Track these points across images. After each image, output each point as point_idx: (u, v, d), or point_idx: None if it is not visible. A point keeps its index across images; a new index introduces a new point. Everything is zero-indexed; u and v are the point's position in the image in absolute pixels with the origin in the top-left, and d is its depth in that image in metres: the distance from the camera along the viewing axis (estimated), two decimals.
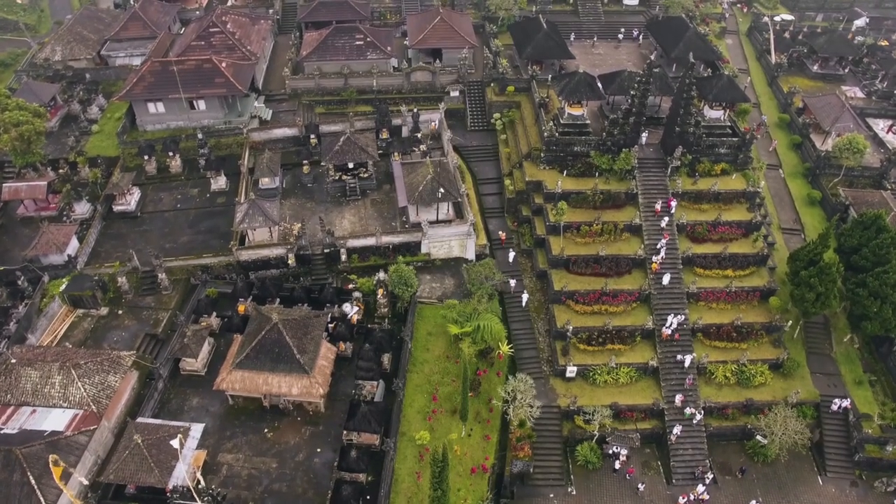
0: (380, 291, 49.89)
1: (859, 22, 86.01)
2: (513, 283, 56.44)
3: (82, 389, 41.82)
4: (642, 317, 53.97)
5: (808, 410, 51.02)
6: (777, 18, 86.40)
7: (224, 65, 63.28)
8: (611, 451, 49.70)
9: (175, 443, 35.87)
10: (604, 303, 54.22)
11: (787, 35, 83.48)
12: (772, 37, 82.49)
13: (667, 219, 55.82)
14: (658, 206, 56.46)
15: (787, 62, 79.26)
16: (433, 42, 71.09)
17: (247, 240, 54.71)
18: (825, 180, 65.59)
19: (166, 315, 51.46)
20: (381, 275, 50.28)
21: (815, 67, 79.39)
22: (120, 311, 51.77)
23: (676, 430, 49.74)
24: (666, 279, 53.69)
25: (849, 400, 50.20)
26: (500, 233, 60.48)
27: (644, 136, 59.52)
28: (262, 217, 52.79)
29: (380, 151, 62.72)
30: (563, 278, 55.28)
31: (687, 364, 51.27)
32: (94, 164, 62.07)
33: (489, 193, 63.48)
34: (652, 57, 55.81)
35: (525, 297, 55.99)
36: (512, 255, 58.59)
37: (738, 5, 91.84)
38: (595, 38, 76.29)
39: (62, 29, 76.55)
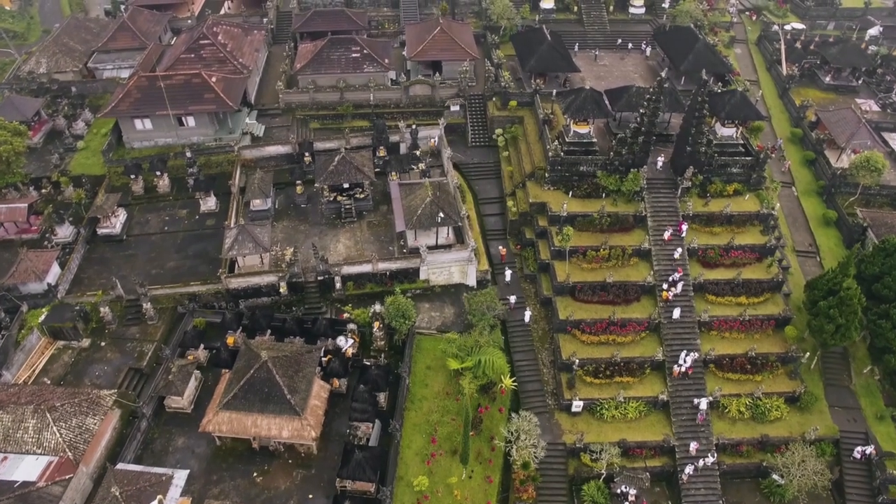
0: (376, 324, 47.29)
1: (873, 31, 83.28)
2: (512, 299, 53.90)
3: (58, 434, 39.23)
4: (652, 347, 51.41)
5: (828, 447, 48.47)
6: (787, 27, 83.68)
7: (214, 79, 60.64)
8: (619, 491, 47.07)
9: None
10: (611, 332, 51.61)
11: (798, 45, 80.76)
12: (782, 47, 79.85)
13: (679, 250, 53.09)
14: (668, 234, 53.74)
15: (798, 73, 76.60)
16: (433, 54, 68.44)
17: (236, 266, 52.13)
18: (841, 199, 62.94)
19: (151, 347, 48.80)
20: (378, 307, 47.67)
21: (828, 79, 76.75)
22: (103, 343, 49.17)
23: (688, 469, 47.17)
24: (676, 313, 51.08)
25: (872, 446, 47.46)
26: (501, 248, 57.93)
27: (660, 159, 56.82)
28: (251, 243, 50.19)
29: (377, 170, 60.14)
30: (569, 306, 52.69)
31: (703, 407, 48.59)
32: (79, 183, 59.39)
33: (491, 214, 60.80)
34: (663, 74, 53.08)
35: (528, 314, 53.44)
36: (509, 273, 55.83)
37: (747, 13, 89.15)
38: (597, 50, 73.35)
39: (48, 40, 73.87)
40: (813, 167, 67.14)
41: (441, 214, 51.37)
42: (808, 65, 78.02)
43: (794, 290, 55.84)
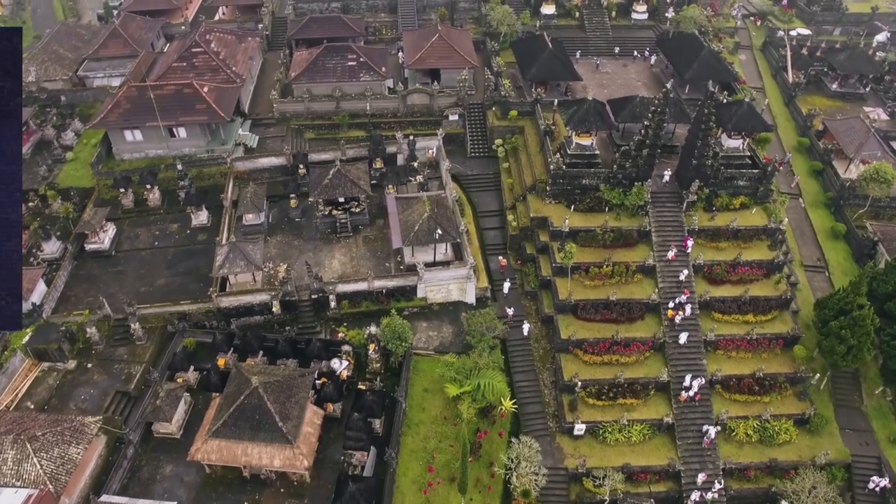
0: (371, 347, 45.68)
1: (880, 37, 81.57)
2: (510, 311, 52.64)
3: (38, 466, 37.60)
4: (656, 368, 49.83)
5: (839, 472, 46.85)
6: (793, 33, 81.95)
7: (206, 89, 58.99)
8: None
9: None
10: (614, 353, 50.05)
11: (804, 51, 79.09)
12: (788, 53, 78.16)
13: (685, 272, 51.36)
14: (672, 254, 52.02)
15: (805, 81, 74.91)
16: (431, 62, 66.80)
17: (228, 284, 50.53)
18: (849, 211, 61.30)
19: (140, 369, 47.21)
20: (373, 328, 46.05)
21: (835, 86, 75.10)
22: (89, 365, 47.56)
23: (694, 495, 45.55)
24: (683, 338, 49.43)
25: (887, 478, 45.80)
26: (501, 258, 56.63)
27: (667, 173, 55.13)
28: (243, 261, 48.60)
29: (373, 182, 58.65)
30: (571, 325, 51.12)
31: (711, 435, 46.94)
32: (67, 196, 57.80)
33: (491, 228, 59.18)
34: (668, 85, 51.52)
35: (526, 326, 52.09)
36: (507, 285, 54.54)
37: (752, 18, 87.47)
38: (598, 59, 71.24)
39: (37, 47, 72.09)
40: (820, 178, 65.50)
41: (439, 231, 49.77)
42: (814, 72, 76.34)
43: (803, 306, 54.25)
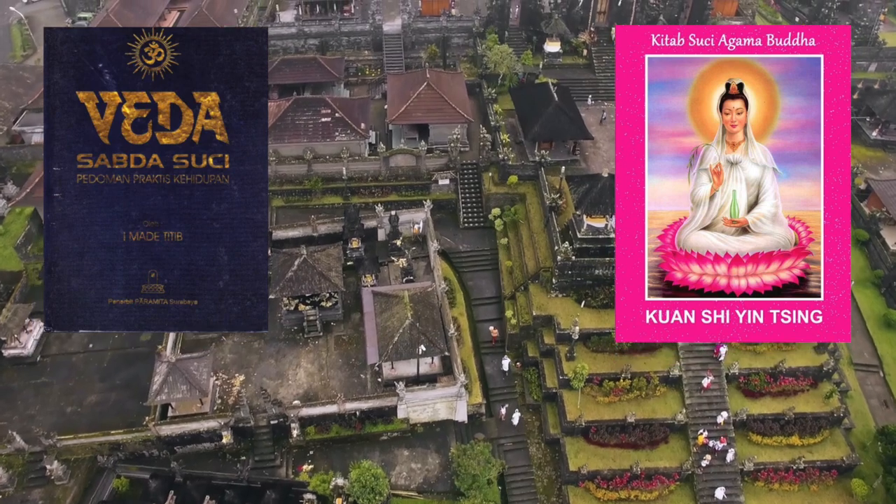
0: (338, 501, 37.25)
1: None
2: (503, 410, 45.24)
3: None
4: None
5: None
6: None
7: None
8: None
9: None
10: (634, 488, 41.70)
11: None
12: None
13: (725, 414, 42.76)
14: (707, 381, 43.47)
15: None
16: (418, 116, 58.13)
17: (170, 408, 42.06)
18: None
19: None
20: (339, 480, 37.58)
21: (874, 133, 66.46)
22: None
23: None
24: (720, 493, 40.86)
25: None
26: (491, 329, 49.15)
27: None
28: (185, 385, 40.08)
29: (349, 263, 50.32)
30: (581, 451, 42.72)
31: None
32: None
33: (487, 319, 50.65)
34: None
35: (517, 416, 44.83)
36: (506, 362, 46.93)
37: None
38: (605, 113, 61.88)
39: None
40: (866, 249, 56.97)
41: (423, 347, 41.27)
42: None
43: (856, 418, 45.90)
